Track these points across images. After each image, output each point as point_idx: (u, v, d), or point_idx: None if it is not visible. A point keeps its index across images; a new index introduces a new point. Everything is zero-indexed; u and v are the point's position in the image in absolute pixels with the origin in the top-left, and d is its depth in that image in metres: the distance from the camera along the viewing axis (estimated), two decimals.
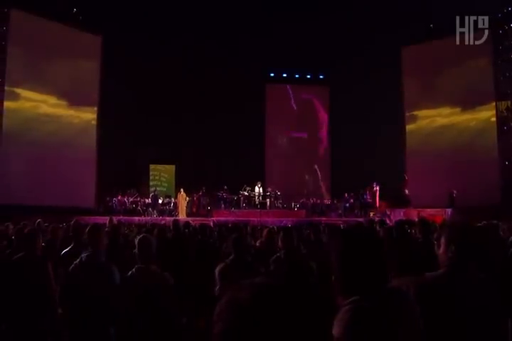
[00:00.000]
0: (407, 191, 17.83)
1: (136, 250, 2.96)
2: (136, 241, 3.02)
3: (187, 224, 6.01)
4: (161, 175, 21.24)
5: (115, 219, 9.04)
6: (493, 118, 16.25)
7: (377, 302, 1.33)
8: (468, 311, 1.87)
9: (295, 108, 22.72)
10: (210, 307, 2.93)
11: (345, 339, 1.28)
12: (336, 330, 1.31)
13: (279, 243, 3.63)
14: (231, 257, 3.39)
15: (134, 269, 2.91)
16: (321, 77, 22.64)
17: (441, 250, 2.24)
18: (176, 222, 5.06)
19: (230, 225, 7.24)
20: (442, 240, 2.29)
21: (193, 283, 3.62)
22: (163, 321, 2.82)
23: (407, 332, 1.35)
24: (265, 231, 4.79)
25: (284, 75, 22.60)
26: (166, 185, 21.09)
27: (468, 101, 17.06)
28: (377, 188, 17.49)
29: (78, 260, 3.17)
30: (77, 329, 3.01)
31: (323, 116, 22.82)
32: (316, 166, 21.70)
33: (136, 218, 15.87)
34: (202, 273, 3.80)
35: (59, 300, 3.21)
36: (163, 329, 2.82)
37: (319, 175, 22.09)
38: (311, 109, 22.80)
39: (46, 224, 7.31)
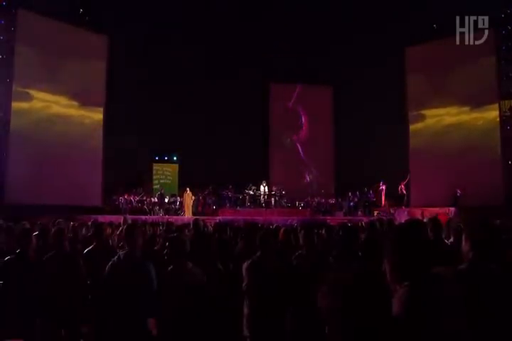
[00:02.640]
0: (403, 190, 17.99)
1: (169, 248, 3.13)
2: (169, 240, 3.20)
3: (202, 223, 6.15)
4: (165, 169, 21.47)
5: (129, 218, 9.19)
6: (497, 118, 16.40)
7: (426, 285, 1.57)
8: (490, 300, 2.09)
9: (299, 107, 22.86)
10: (239, 302, 3.11)
11: (404, 315, 1.51)
12: (395, 309, 1.54)
13: (301, 241, 3.81)
14: (257, 254, 3.56)
15: (172, 266, 3.09)
16: (325, 77, 22.75)
17: (463, 246, 2.47)
18: (196, 221, 5.23)
19: (240, 224, 7.41)
20: (464, 237, 2.51)
21: (219, 279, 3.78)
22: (199, 314, 3.00)
23: (449, 308, 1.59)
24: (282, 231, 4.98)
25: (288, 75, 22.69)
26: (170, 179, 21.35)
27: (473, 101, 17.23)
28: (384, 187, 17.68)
29: (116, 257, 3.33)
30: (116, 323, 3.18)
31: (327, 116, 22.95)
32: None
33: (143, 217, 16.04)
34: (226, 269, 3.97)
35: (97, 296, 3.38)
36: (198, 321, 3.00)
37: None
38: (315, 108, 22.93)
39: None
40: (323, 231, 6.27)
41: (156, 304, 3.09)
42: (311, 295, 3.34)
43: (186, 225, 6.93)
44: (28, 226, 7.57)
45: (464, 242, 2.43)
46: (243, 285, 3.45)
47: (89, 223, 6.45)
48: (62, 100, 17.40)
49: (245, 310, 3.50)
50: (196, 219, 5.71)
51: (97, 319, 3.68)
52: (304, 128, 23.01)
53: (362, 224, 9.90)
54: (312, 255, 3.59)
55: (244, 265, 3.50)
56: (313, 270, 3.14)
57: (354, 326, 1.18)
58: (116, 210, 17.36)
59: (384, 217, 11.51)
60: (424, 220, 7.44)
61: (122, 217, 8.62)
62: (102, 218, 13.68)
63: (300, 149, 22.83)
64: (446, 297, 1.61)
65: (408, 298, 1.54)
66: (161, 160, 21.69)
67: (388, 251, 1.72)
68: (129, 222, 7.94)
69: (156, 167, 21.42)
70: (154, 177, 21.18)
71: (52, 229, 4.39)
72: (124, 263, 3.22)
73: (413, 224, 1.94)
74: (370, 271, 1.73)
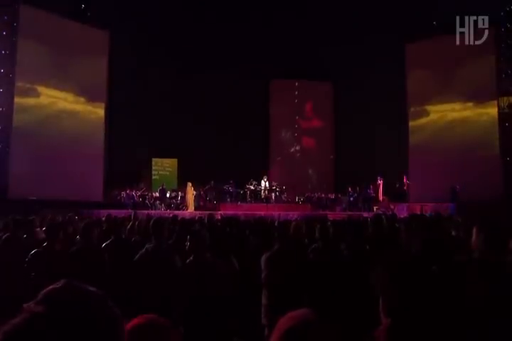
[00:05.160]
0: (405, 186, 18.20)
1: (190, 241, 3.32)
2: (191, 234, 3.39)
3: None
4: (164, 162, 21.62)
5: (139, 213, 9.37)
6: (496, 115, 16.62)
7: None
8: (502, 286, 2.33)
9: (299, 103, 23.02)
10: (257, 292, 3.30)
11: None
12: None
13: (316, 234, 4.00)
14: (276, 247, 3.75)
15: (191, 257, 3.27)
16: (325, 72, 22.90)
17: (474, 238, 2.72)
18: (210, 216, 5.40)
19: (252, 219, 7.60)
20: (474, 231, 2.76)
21: (236, 271, 3.96)
22: (218, 303, 3.19)
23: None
24: (293, 225, 5.16)
25: (288, 70, 22.81)
26: (169, 170, 21.51)
27: (472, 98, 17.46)
28: (381, 182, 17.86)
29: (144, 250, 3.52)
30: (145, 311, 3.34)
31: (328, 111, 23.13)
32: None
33: (145, 211, 16.19)
34: (240, 262, 4.15)
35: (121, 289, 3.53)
36: (218, 312, 3.19)
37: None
38: (315, 104, 23.12)
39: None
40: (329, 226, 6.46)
41: (182, 296, 3.26)
42: (329, 286, 3.55)
43: (194, 220, 7.10)
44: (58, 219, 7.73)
45: (475, 235, 2.66)
46: (262, 276, 3.64)
47: (103, 218, 6.62)
48: (66, 96, 17.52)
49: (263, 300, 3.69)
50: (210, 213, 5.89)
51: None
52: (304, 123, 23.19)
53: (361, 218, 10.09)
54: (328, 248, 3.78)
55: (263, 257, 3.69)
56: (331, 262, 3.34)
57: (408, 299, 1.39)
58: (118, 205, 17.49)
59: (386, 212, 11.74)
60: (427, 215, 7.69)
61: (132, 212, 8.80)
62: (105, 213, 13.86)
63: (300, 144, 23.03)
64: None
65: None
66: (160, 155, 21.75)
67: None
68: (139, 217, 8.14)
69: (155, 160, 21.58)
70: (154, 167, 21.34)
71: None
72: (152, 256, 3.40)
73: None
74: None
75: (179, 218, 6.85)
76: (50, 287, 0.73)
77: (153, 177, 20.93)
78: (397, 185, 18.13)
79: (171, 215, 12.20)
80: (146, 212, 15.99)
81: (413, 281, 1.45)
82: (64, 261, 3.80)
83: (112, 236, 4.85)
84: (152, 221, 3.65)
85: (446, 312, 1.70)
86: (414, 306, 1.42)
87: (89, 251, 3.91)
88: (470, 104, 17.63)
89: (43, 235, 4.36)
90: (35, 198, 14.80)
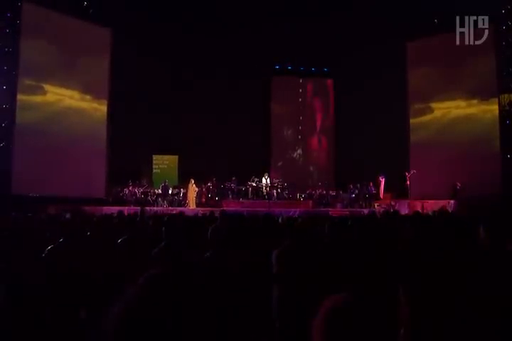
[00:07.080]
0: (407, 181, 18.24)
1: (211, 236, 3.44)
2: (210, 229, 3.51)
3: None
4: (164, 159, 21.76)
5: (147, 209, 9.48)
6: (497, 113, 16.73)
7: None
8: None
9: (300, 100, 23.13)
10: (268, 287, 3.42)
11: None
12: None
13: (326, 230, 4.12)
14: (287, 242, 3.86)
15: (209, 252, 3.39)
16: (326, 69, 23.02)
17: (481, 234, 2.88)
18: (223, 212, 5.53)
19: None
20: (481, 227, 2.91)
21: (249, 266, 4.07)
22: (234, 298, 3.30)
23: None
24: (299, 221, 5.28)
25: (289, 68, 22.92)
26: (167, 163, 21.66)
27: (473, 96, 17.55)
28: (383, 180, 17.96)
29: (161, 245, 3.63)
30: None
31: (328, 108, 23.25)
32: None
33: (148, 208, 16.31)
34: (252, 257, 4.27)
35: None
36: (234, 306, 3.30)
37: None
38: (316, 101, 23.22)
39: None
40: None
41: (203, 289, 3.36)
42: (339, 281, 3.67)
43: (205, 216, 7.22)
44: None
45: (481, 230, 2.82)
46: (273, 271, 3.75)
47: (114, 214, 6.74)
48: (71, 93, 17.62)
49: (274, 295, 3.80)
50: (223, 210, 6.02)
51: None
52: (305, 120, 23.29)
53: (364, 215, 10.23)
54: (337, 244, 3.91)
55: (274, 253, 3.80)
56: (341, 258, 3.45)
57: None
58: (120, 202, 17.60)
59: (388, 209, 11.89)
60: (430, 213, 7.83)
61: (139, 208, 8.93)
62: (108, 209, 14.02)
63: (301, 142, 23.14)
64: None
65: None
66: (162, 152, 21.83)
67: None
68: (147, 213, 8.27)
69: (156, 156, 21.71)
70: (154, 162, 21.52)
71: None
72: (169, 252, 3.52)
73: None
74: None
75: (185, 214, 6.99)
76: (146, 274, 0.85)
77: (154, 170, 21.12)
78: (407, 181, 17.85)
79: (174, 212, 12.39)
80: (148, 208, 16.21)
81: (429, 273, 1.57)
82: (80, 257, 3.92)
83: (124, 232, 4.95)
84: (166, 217, 3.76)
85: (459, 302, 1.82)
86: (432, 297, 1.54)
87: (104, 247, 4.02)
88: (474, 102, 17.73)
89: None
90: (37, 195, 14.93)
